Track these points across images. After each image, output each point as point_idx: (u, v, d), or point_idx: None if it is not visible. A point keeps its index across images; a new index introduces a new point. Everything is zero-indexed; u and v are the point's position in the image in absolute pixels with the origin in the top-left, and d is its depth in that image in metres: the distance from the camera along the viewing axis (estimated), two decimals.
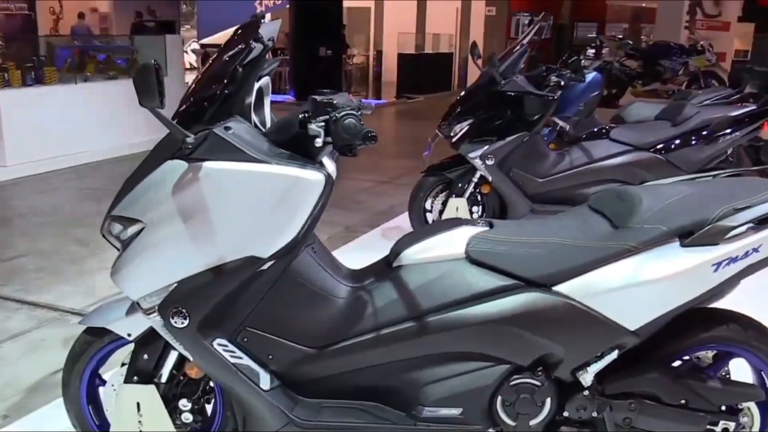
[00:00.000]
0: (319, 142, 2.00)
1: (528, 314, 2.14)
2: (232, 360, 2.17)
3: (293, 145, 2.12)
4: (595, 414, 2.24)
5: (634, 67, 12.93)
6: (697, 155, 4.80)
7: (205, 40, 19.90)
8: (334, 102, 2.01)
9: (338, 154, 2.12)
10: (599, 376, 2.23)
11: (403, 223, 5.68)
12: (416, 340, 2.19)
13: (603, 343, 2.18)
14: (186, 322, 2.13)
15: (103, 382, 2.46)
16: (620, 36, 15.40)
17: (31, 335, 3.81)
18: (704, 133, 4.80)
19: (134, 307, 2.24)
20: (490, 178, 4.75)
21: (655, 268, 2.10)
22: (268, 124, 2.36)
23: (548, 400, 2.23)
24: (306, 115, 2.04)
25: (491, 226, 2.35)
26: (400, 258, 2.29)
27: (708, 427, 2.28)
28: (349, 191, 6.95)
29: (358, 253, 4.30)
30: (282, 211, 2.06)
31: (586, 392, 2.22)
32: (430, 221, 4.99)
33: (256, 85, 2.27)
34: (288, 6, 16.00)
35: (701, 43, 13.36)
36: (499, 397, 2.23)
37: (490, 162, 4.69)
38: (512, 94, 4.74)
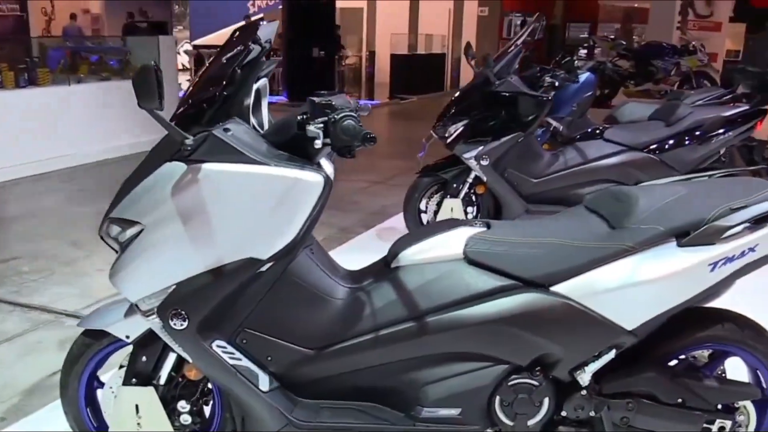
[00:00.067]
0: (318, 143, 2.00)
1: (526, 314, 2.15)
2: (231, 361, 2.17)
3: (291, 146, 2.12)
4: (592, 413, 2.25)
5: (626, 68, 12.99)
6: (690, 155, 4.83)
7: (197, 41, 19.86)
8: (333, 103, 2.02)
9: (336, 156, 2.12)
10: (597, 376, 2.24)
11: (397, 223, 5.69)
12: (415, 340, 2.20)
13: (601, 342, 2.19)
14: (185, 323, 2.13)
15: (102, 385, 2.45)
16: (612, 36, 15.46)
17: (26, 337, 3.80)
18: (697, 133, 4.83)
19: (133, 309, 2.24)
20: (484, 179, 4.76)
21: (653, 267, 2.11)
22: (266, 126, 2.37)
23: (546, 400, 2.24)
24: (304, 116, 2.04)
25: (489, 226, 2.36)
26: (398, 259, 2.30)
27: (705, 425, 2.30)
28: (343, 192, 6.96)
29: (354, 254, 4.32)
30: (281, 213, 2.06)
31: (583, 392, 2.23)
32: (425, 222, 5.00)
33: (254, 87, 2.28)
34: (281, 7, 15.99)
35: (693, 43, 13.43)
36: (498, 397, 2.23)
37: (484, 162, 4.70)
38: (507, 94, 4.75)
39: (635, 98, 11.33)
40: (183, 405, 2.35)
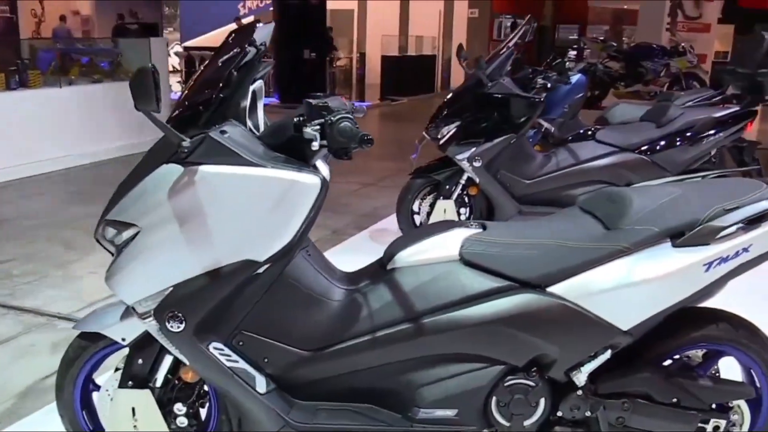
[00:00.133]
0: (315, 145, 2.00)
1: (522, 315, 2.16)
2: (228, 364, 2.17)
3: (287, 148, 2.13)
4: (588, 413, 2.26)
5: (616, 69, 13.04)
6: (681, 156, 4.85)
7: (188, 43, 19.82)
8: (329, 105, 2.03)
9: (331, 157, 2.13)
10: (592, 376, 2.25)
11: (390, 225, 5.70)
12: (411, 342, 2.20)
13: (596, 343, 2.20)
14: (182, 326, 2.13)
15: (97, 387, 2.45)
16: (602, 38, 15.52)
17: (19, 340, 3.79)
18: (688, 134, 4.84)
19: (129, 312, 2.24)
20: (477, 180, 4.78)
21: (648, 268, 2.13)
22: (262, 128, 2.37)
23: (542, 401, 2.25)
24: (301, 118, 2.05)
25: (484, 227, 2.37)
26: (394, 260, 2.30)
27: (699, 425, 2.31)
28: (334, 194, 6.91)
29: (347, 256, 4.31)
30: (278, 215, 2.07)
31: (579, 392, 2.24)
32: (417, 223, 5.01)
33: (250, 89, 2.28)
34: (271, 8, 15.97)
35: (682, 44, 13.50)
36: (494, 398, 2.24)
37: (477, 164, 4.72)
38: (499, 96, 4.77)
39: (625, 99, 11.38)
40: (179, 407, 2.34)
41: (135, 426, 2.29)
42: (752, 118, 4.89)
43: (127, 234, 2.13)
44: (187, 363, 2.22)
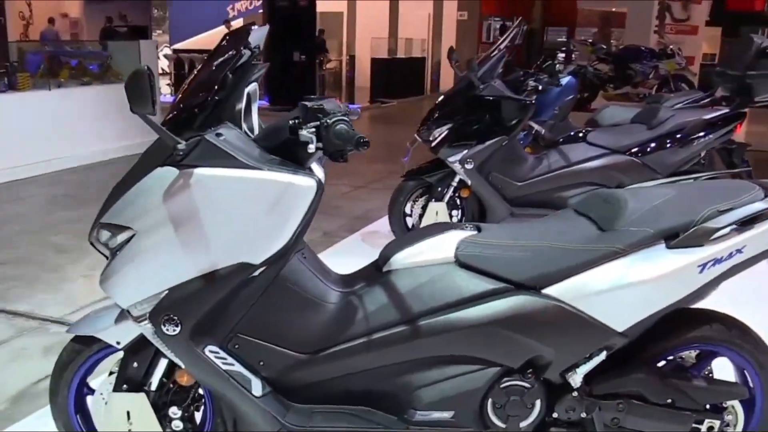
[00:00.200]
0: (311, 148, 2.00)
1: (518, 317, 2.17)
2: (224, 367, 2.17)
3: (283, 151, 2.12)
4: (584, 415, 2.26)
5: (605, 71, 13.08)
6: (672, 158, 4.87)
7: (177, 46, 19.77)
8: (325, 108, 2.02)
9: (326, 160, 2.13)
10: (588, 377, 2.26)
11: (381, 227, 5.70)
12: (407, 344, 2.20)
13: (592, 344, 2.21)
14: (177, 329, 2.12)
15: (92, 391, 2.44)
16: (590, 40, 15.56)
17: (11, 344, 3.76)
18: (679, 136, 4.87)
19: (123, 315, 2.23)
20: (469, 182, 4.79)
21: (643, 269, 2.14)
22: (256, 130, 2.36)
23: (538, 402, 2.26)
24: (296, 121, 2.04)
25: (479, 229, 2.38)
26: (389, 262, 2.31)
27: (693, 425, 2.32)
28: (325, 196, 6.84)
29: (339, 258, 4.29)
30: (274, 217, 2.07)
31: (575, 393, 2.25)
32: (410, 225, 5.01)
33: (245, 91, 2.28)
34: (261, 11, 15.95)
35: (671, 46, 13.55)
36: (490, 400, 2.25)
37: (469, 166, 4.73)
38: (491, 98, 4.79)
39: (614, 102, 11.42)
40: (174, 411, 2.33)
41: (130, 430, 2.28)
42: (741, 120, 4.93)
43: (121, 237, 2.12)
44: (183, 366, 2.21)
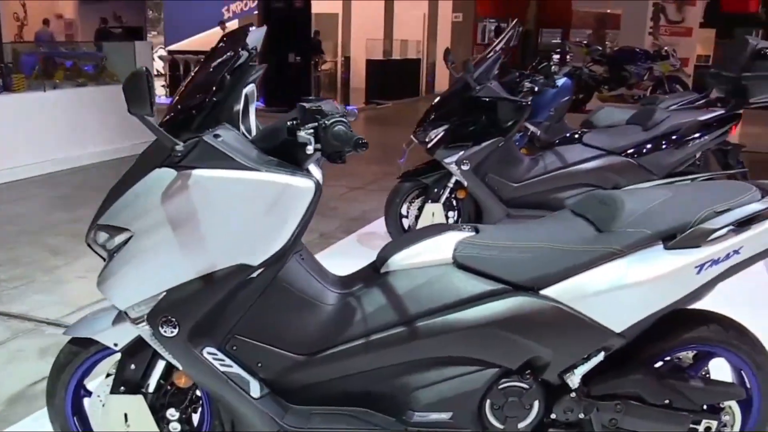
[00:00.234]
0: (310, 149, 2.00)
1: (516, 318, 2.17)
2: (222, 368, 2.16)
3: (281, 152, 2.12)
4: (582, 415, 2.27)
5: (600, 73, 13.09)
6: (667, 159, 4.88)
7: (172, 47, 19.74)
8: (323, 109, 2.02)
9: (324, 161, 2.13)
10: (585, 378, 2.26)
11: (378, 228, 5.70)
12: (405, 345, 2.20)
13: (590, 345, 2.22)
14: (175, 331, 2.12)
15: (89, 393, 2.43)
16: (585, 42, 15.58)
17: (7, 346, 3.75)
18: (674, 137, 4.87)
19: (121, 317, 2.23)
20: (465, 184, 4.79)
21: (640, 270, 2.14)
22: (254, 131, 2.36)
23: (536, 403, 2.26)
24: (294, 122, 2.04)
25: (477, 231, 2.38)
26: (387, 264, 2.31)
27: (691, 426, 2.32)
28: (322, 198, 6.82)
29: (336, 259, 4.29)
30: (272, 219, 2.06)
31: (573, 394, 2.25)
32: (406, 227, 5.02)
33: (243, 92, 2.27)
34: (256, 12, 15.94)
35: (665, 48, 13.57)
36: (488, 401, 2.25)
37: (465, 167, 4.73)
38: (487, 99, 4.79)
39: (609, 103, 11.44)
40: (172, 413, 2.33)
41: None
42: (737, 121, 4.94)
43: (119, 239, 2.12)
44: (181, 368, 2.21)
